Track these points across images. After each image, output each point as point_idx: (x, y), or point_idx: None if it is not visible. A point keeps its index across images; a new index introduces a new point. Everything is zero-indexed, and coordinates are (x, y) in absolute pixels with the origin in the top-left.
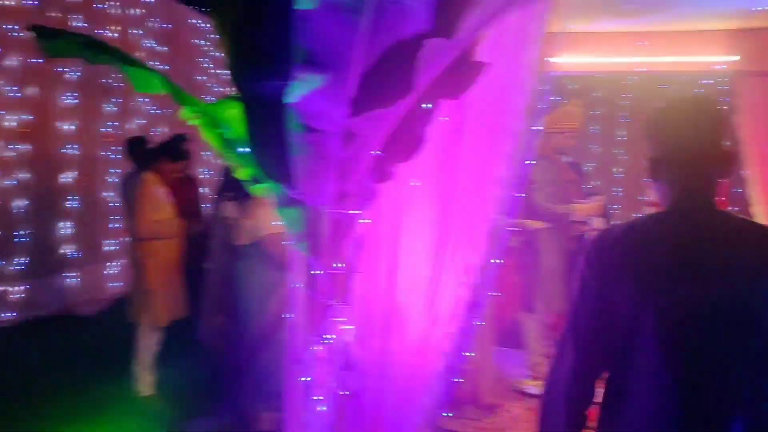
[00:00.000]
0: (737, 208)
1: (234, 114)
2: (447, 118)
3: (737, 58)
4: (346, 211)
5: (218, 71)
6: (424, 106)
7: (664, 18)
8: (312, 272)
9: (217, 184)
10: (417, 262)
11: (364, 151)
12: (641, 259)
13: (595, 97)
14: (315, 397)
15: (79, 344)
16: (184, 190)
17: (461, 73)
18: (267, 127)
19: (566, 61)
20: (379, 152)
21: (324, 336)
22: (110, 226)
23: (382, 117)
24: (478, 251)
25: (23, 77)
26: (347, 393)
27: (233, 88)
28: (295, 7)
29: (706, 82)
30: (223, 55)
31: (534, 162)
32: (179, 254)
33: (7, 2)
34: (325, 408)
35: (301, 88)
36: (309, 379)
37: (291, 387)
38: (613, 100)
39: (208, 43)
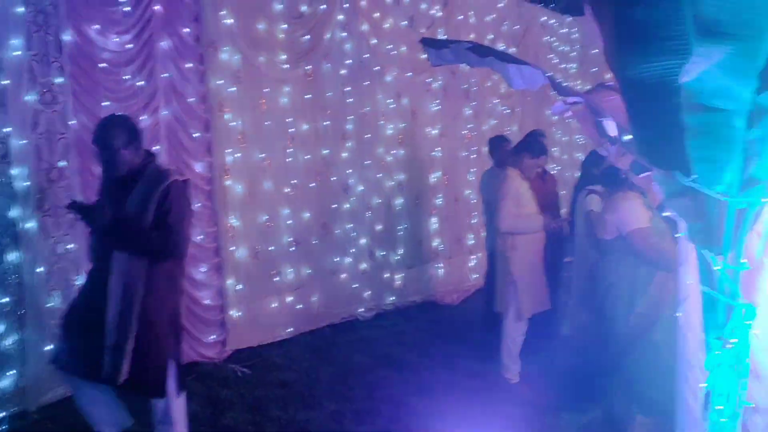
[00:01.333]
0: None
1: (612, 101)
2: None
3: None
4: (753, 199)
5: (566, 65)
6: None
7: None
8: (710, 268)
9: (576, 178)
10: None
11: None
12: None
13: None
14: (716, 407)
15: (447, 329)
16: (543, 185)
17: None
18: (654, 111)
19: None
20: None
21: (726, 340)
22: (471, 221)
23: None
24: None
25: (398, 90)
26: (754, 406)
27: (580, 81)
28: None
29: None
30: (573, 47)
31: None
32: (541, 247)
33: (385, 25)
34: (727, 420)
35: (698, 64)
36: (708, 386)
37: (683, 393)
38: None
39: (555, 39)
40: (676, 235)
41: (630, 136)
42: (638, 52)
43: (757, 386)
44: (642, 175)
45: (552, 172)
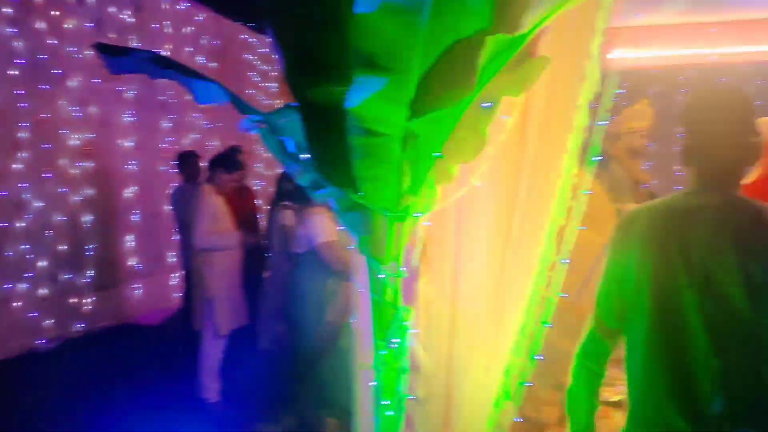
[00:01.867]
0: None
1: (293, 121)
2: (509, 117)
3: None
4: (408, 214)
5: (267, 84)
6: (484, 105)
7: (730, 5)
8: (376, 276)
9: (273, 193)
10: (481, 263)
11: (426, 153)
12: (665, 231)
13: (652, 94)
14: (383, 402)
15: (145, 353)
16: (240, 201)
17: (523, 69)
18: (326, 133)
19: (626, 56)
20: (440, 154)
21: (390, 340)
22: (172, 238)
23: (442, 118)
24: (544, 251)
25: (84, 96)
26: (415, 398)
27: (282, 100)
28: (355, 10)
29: None
30: (274, 66)
31: (604, 162)
32: (238, 263)
33: (67, 26)
34: (392, 413)
35: (360, 92)
36: (376, 383)
37: (358, 392)
38: (671, 96)
39: (256, 58)
40: (341, 250)
41: (306, 155)
42: (311, 76)
43: (417, 379)
44: (319, 192)
45: (255, 188)
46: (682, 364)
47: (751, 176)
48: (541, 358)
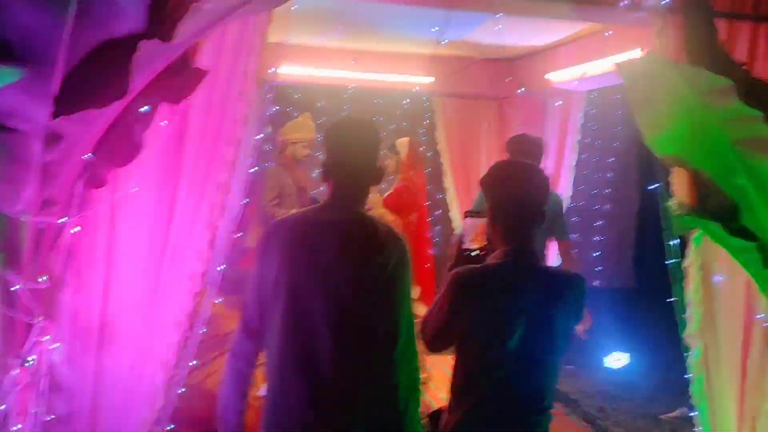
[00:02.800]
0: (439, 211)
1: None
2: (167, 123)
3: (432, 79)
4: (51, 220)
5: None
6: (141, 109)
7: (371, 38)
8: (10, 288)
9: None
10: (135, 271)
11: (73, 155)
12: (300, 241)
13: (319, 108)
14: (13, 428)
15: None
16: None
17: (181, 78)
18: None
19: (289, 72)
20: (90, 156)
21: (25, 358)
22: None
23: (93, 118)
24: (201, 258)
25: None
26: (54, 418)
27: None
28: None
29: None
30: None
31: (270, 170)
32: None
33: None
34: None
35: None
36: (4, 407)
37: None
38: (336, 111)
39: None
40: None
41: None
42: None
43: (58, 397)
44: None
45: None
46: (308, 357)
47: (390, 189)
48: (196, 362)
